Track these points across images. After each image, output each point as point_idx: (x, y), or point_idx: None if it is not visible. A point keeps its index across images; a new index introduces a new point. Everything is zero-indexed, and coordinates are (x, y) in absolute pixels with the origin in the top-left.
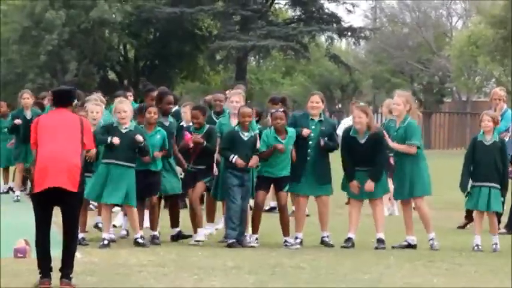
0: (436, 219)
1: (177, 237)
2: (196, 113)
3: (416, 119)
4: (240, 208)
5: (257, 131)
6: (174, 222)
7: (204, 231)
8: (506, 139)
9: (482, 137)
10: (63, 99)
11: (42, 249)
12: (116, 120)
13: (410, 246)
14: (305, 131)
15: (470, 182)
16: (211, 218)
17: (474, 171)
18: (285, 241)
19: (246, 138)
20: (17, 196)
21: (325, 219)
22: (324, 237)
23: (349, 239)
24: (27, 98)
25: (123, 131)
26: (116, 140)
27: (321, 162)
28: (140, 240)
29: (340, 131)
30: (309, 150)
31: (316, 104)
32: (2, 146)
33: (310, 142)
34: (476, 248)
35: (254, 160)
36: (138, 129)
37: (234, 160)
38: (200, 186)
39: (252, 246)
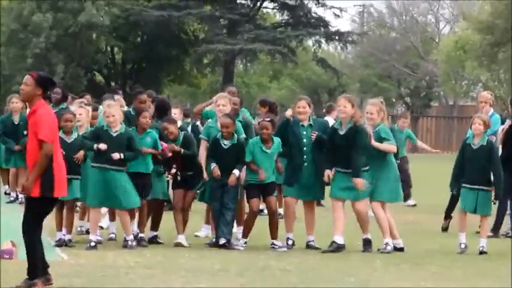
0: (422, 222)
1: (151, 241)
2: (168, 126)
3: (387, 125)
4: (217, 209)
5: (242, 138)
6: (154, 226)
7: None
8: None
9: (471, 140)
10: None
11: (41, 251)
12: (106, 124)
13: (396, 249)
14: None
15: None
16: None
17: (463, 174)
18: (272, 243)
19: (226, 147)
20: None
21: (312, 222)
22: (309, 241)
23: (333, 242)
24: (15, 103)
25: (114, 134)
26: (103, 146)
27: (315, 167)
28: (130, 243)
29: None
30: (304, 157)
31: (303, 109)
32: None
33: (304, 148)
34: (462, 246)
35: (232, 177)
36: (128, 131)
37: (212, 169)
38: (190, 195)
39: (238, 249)
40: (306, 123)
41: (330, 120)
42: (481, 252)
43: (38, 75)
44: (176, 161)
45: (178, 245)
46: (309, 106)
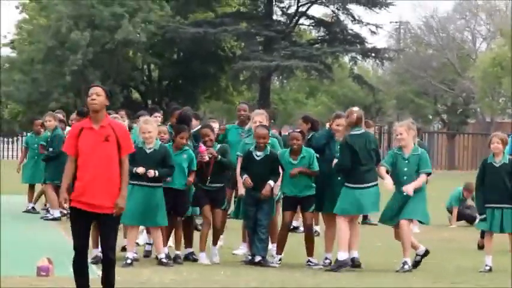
0: (458, 240)
1: (187, 258)
2: (207, 131)
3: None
4: (250, 226)
5: (278, 151)
6: (187, 243)
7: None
8: None
9: (492, 159)
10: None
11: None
12: (141, 141)
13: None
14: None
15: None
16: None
17: (486, 193)
18: (308, 261)
19: (258, 158)
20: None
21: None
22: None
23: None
24: (49, 121)
25: (148, 151)
26: (141, 170)
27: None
28: (164, 260)
29: None
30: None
31: (341, 127)
32: (29, 163)
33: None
34: (486, 268)
35: (267, 187)
36: (162, 147)
37: (243, 180)
38: (220, 214)
39: (273, 267)
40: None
41: None
42: None
43: (107, 89)
44: (208, 167)
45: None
46: None
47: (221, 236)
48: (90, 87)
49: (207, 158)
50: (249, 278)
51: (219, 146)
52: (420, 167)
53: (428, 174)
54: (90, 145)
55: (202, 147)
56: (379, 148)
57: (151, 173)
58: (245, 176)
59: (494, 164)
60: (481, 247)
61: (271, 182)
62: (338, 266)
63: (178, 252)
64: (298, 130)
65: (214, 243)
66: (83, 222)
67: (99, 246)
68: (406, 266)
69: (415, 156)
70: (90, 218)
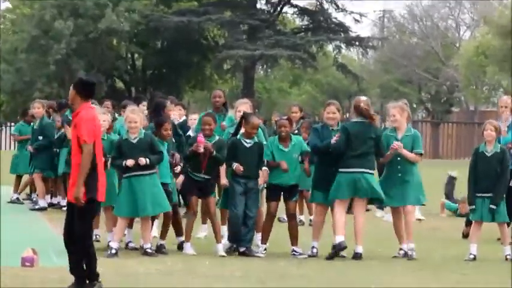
0: (444, 229)
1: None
2: (209, 120)
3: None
4: (240, 216)
5: (264, 142)
6: (178, 231)
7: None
8: None
9: (484, 147)
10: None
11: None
12: (125, 132)
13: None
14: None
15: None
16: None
17: (477, 183)
18: (293, 250)
19: (248, 145)
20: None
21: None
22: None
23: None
24: (37, 108)
25: (133, 141)
26: (130, 163)
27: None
28: (149, 250)
29: None
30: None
31: (333, 114)
32: (20, 153)
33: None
34: (470, 256)
35: (265, 173)
36: (147, 135)
37: (234, 167)
38: (212, 201)
39: (258, 257)
40: (335, 128)
41: None
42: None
43: (78, 80)
44: (204, 159)
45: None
46: (339, 111)
47: (205, 226)
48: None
49: (201, 150)
50: (233, 267)
51: (217, 137)
52: (413, 147)
53: (420, 155)
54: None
55: (201, 136)
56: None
57: (143, 160)
58: (235, 163)
59: (485, 153)
60: (465, 236)
61: (265, 170)
62: (336, 251)
63: (163, 242)
64: (286, 117)
65: (218, 240)
66: None
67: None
68: (413, 253)
69: (408, 137)
70: None
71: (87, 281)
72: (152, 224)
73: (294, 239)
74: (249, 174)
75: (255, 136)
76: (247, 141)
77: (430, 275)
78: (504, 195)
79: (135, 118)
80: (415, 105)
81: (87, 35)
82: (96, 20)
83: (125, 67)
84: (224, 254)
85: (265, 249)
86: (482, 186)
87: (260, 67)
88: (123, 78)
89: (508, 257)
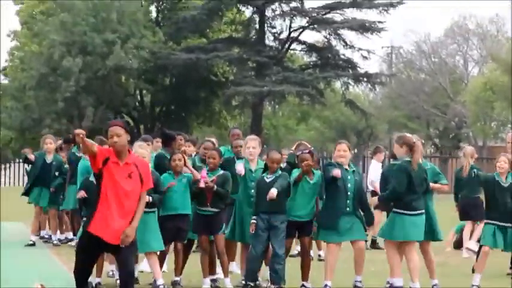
0: (453, 264)
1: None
2: (213, 154)
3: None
4: (259, 256)
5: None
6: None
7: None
8: None
9: (499, 177)
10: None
11: None
12: None
13: None
14: (335, 172)
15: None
16: (231, 258)
17: (492, 211)
18: (303, 285)
19: (268, 180)
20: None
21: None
22: (356, 281)
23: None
24: (49, 143)
25: None
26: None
27: (356, 212)
28: (162, 287)
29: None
30: (348, 201)
31: (343, 152)
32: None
33: (349, 193)
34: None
35: (272, 191)
36: (154, 173)
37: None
38: (220, 238)
39: None
40: (347, 168)
41: (376, 163)
42: None
43: (123, 123)
44: (208, 195)
45: None
46: (349, 150)
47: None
48: (110, 125)
49: (202, 185)
50: None
51: (221, 172)
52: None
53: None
54: (114, 179)
55: (204, 172)
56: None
57: (147, 198)
58: (252, 221)
59: (502, 183)
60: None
61: (273, 190)
62: None
63: (177, 278)
64: (307, 151)
65: (225, 275)
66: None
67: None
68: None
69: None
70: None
71: None
72: (163, 261)
73: (305, 273)
74: (272, 210)
75: (278, 170)
76: (268, 176)
77: None
78: None
79: (144, 153)
80: (423, 141)
81: (95, 72)
82: (104, 57)
83: (133, 104)
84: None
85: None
86: (499, 215)
87: (268, 103)
88: (132, 115)
89: None
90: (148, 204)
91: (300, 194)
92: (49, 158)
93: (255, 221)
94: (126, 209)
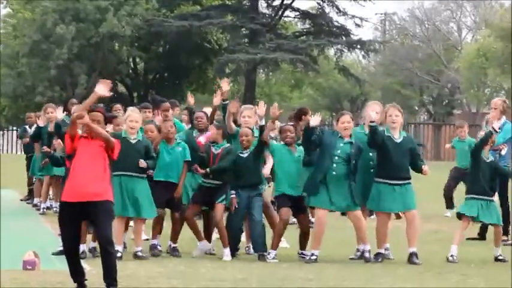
0: (444, 231)
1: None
2: (200, 115)
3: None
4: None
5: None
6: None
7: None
8: (503, 152)
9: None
10: None
11: None
12: (125, 130)
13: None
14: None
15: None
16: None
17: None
18: (302, 253)
19: (244, 156)
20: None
21: (361, 233)
22: (364, 251)
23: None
24: (51, 112)
25: (133, 141)
26: (143, 164)
27: (345, 181)
28: (140, 254)
29: None
30: (335, 165)
31: (347, 124)
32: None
33: (337, 158)
34: (451, 258)
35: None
36: (145, 139)
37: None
38: (220, 208)
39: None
40: (346, 139)
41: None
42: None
43: (104, 110)
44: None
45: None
46: (353, 120)
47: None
48: (92, 109)
49: (200, 171)
50: (235, 270)
51: (227, 145)
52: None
53: None
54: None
55: (201, 140)
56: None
57: (144, 163)
58: (232, 196)
59: (484, 157)
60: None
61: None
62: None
63: (175, 245)
64: (292, 123)
65: (225, 245)
66: None
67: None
68: (416, 260)
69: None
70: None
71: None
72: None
73: (304, 244)
74: (250, 184)
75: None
76: (244, 152)
77: (432, 278)
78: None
79: (137, 118)
80: (416, 108)
81: (88, 39)
82: (97, 24)
83: (126, 71)
84: (228, 259)
85: (275, 255)
86: (481, 188)
87: (262, 71)
88: (125, 82)
89: (500, 257)
90: (139, 170)
91: (285, 167)
92: (51, 127)
93: (234, 196)
94: (95, 171)
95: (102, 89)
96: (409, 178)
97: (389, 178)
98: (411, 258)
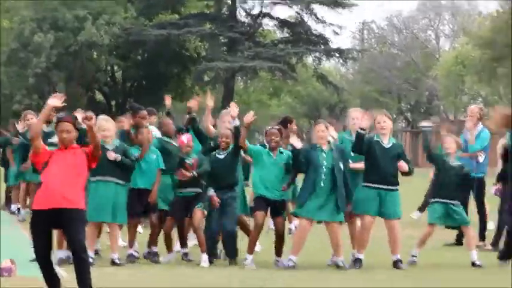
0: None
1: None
2: (166, 119)
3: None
4: (213, 233)
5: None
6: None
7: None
8: (481, 159)
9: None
10: None
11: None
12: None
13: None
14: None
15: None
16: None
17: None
18: (277, 260)
19: (221, 157)
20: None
21: (337, 246)
22: (338, 262)
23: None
24: (31, 118)
25: (110, 148)
26: (112, 155)
27: (332, 191)
28: (117, 261)
29: None
30: (323, 177)
31: (322, 132)
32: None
33: (324, 169)
34: (412, 259)
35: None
36: (121, 145)
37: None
38: (198, 213)
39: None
40: (325, 148)
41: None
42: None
43: (72, 118)
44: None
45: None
46: (327, 128)
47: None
48: (60, 120)
49: (188, 174)
50: (213, 276)
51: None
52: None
53: None
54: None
55: (182, 139)
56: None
57: (113, 154)
58: (212, 193)
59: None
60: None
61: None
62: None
63: (156, 249)
64: (277, 127)
65: (202, 250)
66: None
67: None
68: (402, 265)
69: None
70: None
71: None
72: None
73: (279, 250)
74: (224, 186)
75: (230, 146)
76: (221, 153)
77: (411, 283)
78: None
79: (110, 127)
80: (395, 116)
81: (67, 48)
82: (76, 33)
83: (104, 79)
84: (206, 265)
85: (252, 260)
86: (450, 193)
87: (240, 79)
88: (103, 91)
89: (476, 263)
90: (117, 162)
91: (263, 170)
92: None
93: (214, 193)
94: (67, 179)
95: (55, 100)
96: (397, 184)
97: (376, 182)
98: (396, 264)
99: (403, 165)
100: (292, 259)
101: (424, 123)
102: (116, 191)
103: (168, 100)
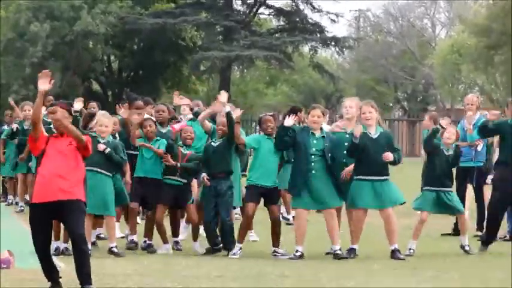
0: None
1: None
2: (161, 107)
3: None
4: (212, 223)
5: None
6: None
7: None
8: (479, 148)
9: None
10: None
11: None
12: (96, 132)
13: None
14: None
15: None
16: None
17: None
18: (275, 251)
19: (215, 145)
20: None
21: (334, 232)
22: (336, 250)
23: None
24: (28, 110)
25: (102, 141)
26: (102, 147)
27: (326, 176)
28: (115, 250)
29: None
30: (312, 164)
31: (317, 118)
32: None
33: (313, 156)
34: (409, 252)
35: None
36: (115, 142)
37: (202, 178)
38: (192, 208)
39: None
40: (317, 133)
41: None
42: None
43: (68, 105)
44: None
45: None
46: (324, 115)
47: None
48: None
49: (170, 162)
50: (210, 267)
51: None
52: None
53: None
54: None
55: (176, 126)
56: None
57: (101, 146)
58: (204, 175)
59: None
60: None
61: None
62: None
63: (150, 241)
64: (271, 114)
65: (195, 239)
66: None
67: (61, 237)
68: (400, 255)
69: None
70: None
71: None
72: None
73: (276, 240)
74: (218, 174)
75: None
76: (216, 141)
77: (407, 273)
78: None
79: (107, 122)
80: (391, 104)
81: (63, 37)
82: (71, 22)
83: (101, 69)
84: (202, 252)
85: (240, 249)
86: (442, 180)
87: (236, 68)
88: (100, 80)
89: (466, 248)
90: (107, 156)
91: (261, 157)
92: (27, 125)
93: (205, 175)
94: (65, 170)
95: (43, 82)
96: (387, 174)
97: (368, 174)
98: (394, 254)
99: (388, 155)
100: (299, 249)
101: (444, 122)
102: (104, 182)
103: (177, 98)
